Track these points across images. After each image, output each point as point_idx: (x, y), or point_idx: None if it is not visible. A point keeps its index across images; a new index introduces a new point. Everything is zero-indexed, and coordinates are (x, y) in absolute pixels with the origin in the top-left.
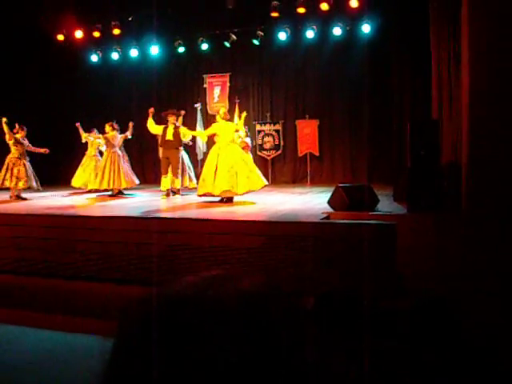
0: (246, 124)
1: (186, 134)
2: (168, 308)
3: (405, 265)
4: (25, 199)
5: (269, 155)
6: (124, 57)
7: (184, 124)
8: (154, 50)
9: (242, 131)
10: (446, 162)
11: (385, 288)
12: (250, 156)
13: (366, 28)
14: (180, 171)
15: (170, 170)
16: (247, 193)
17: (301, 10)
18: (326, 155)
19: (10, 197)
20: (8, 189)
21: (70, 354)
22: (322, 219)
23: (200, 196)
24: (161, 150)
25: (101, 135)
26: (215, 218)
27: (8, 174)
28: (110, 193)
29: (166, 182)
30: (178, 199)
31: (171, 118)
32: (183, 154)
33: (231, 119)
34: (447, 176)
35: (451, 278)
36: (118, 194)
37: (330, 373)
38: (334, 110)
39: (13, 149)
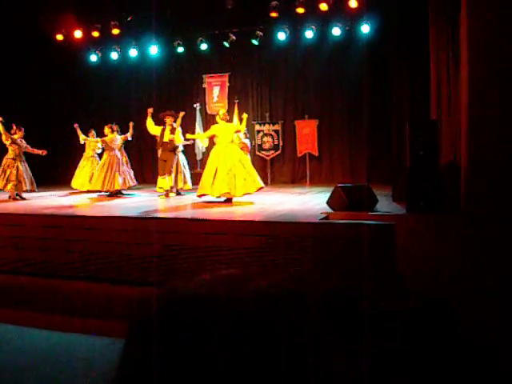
0: (245, 125)
1: (177, 140)
2: (180, 308)
3: (404, 265)
4: (24, 199)
5: (268, 155)
6: (123, 57)
7: (183, 124)
8: (154, 50)
9: (242, 133)
10: (445, 162)
11: (385, 288)
12: (248, 157)
13: (365, 28)
14: (174, 171)
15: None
16: (245, 195)
17: (300, 10)
18: (325, 155)
19: (9, 197)
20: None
21: (68, 354)
22: (321, 219)
23: (200, 196)
24: (159, 151)
25: (99, 139)
26: (213, 218)
27: (2, 176)
28: (108, 193)
29: (163, 182)
30: (174, 198)
31: (168, 120)
32: (180, 155)
33: (230, 120)
34: (446, 176)
35: (451, 278)
36: (117, 193)
37: (330, 373)
38: (333, 110)
39: (9, 149)
